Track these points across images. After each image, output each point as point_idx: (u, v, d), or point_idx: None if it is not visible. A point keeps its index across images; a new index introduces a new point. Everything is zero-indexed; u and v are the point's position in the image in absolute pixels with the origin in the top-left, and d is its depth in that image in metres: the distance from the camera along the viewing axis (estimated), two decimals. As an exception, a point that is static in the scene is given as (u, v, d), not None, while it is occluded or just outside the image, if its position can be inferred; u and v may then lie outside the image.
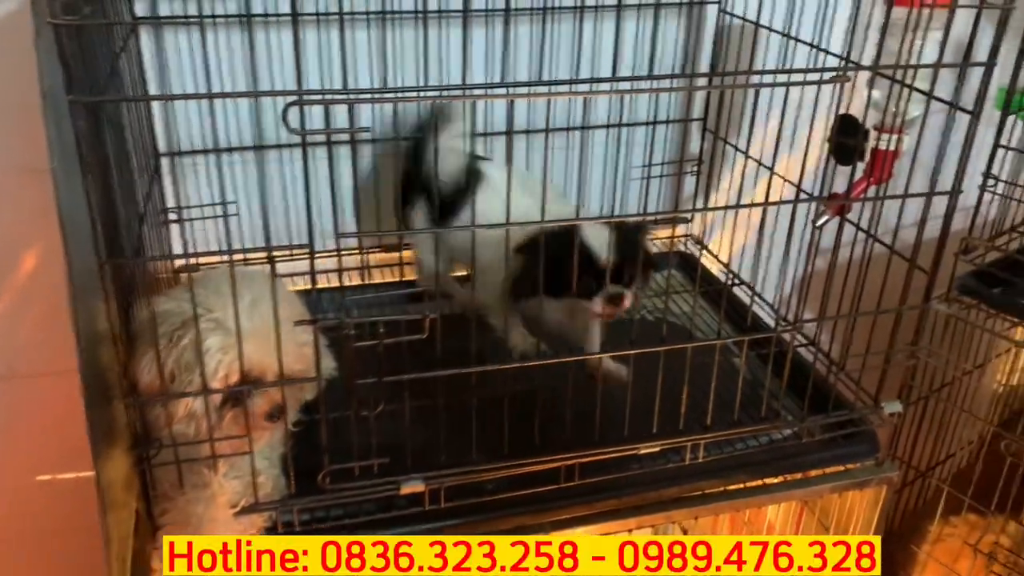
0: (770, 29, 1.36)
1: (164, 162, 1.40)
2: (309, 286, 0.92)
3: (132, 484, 0.93)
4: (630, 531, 1.09)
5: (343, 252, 0.87)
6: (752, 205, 1.11)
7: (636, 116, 1.54)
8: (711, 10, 1.53)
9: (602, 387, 1.19)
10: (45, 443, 1.51)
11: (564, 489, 1.07)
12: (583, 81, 0.91)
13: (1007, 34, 0.97)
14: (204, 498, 0.94)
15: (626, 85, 0.91)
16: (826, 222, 1.26)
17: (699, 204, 1.67)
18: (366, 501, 1.01)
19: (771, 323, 1.33)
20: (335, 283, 1.06)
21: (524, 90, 0.96)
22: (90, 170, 0.78)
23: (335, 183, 0.84)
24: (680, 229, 1.70)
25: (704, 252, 1.64)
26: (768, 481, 1.19)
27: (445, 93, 0.85)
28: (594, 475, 1.09)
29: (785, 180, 1.30)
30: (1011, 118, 1.38)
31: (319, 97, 0.80)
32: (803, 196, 1.10)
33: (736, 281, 1.54)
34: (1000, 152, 1.36)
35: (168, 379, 0.88)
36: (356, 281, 1.28)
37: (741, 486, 1.18)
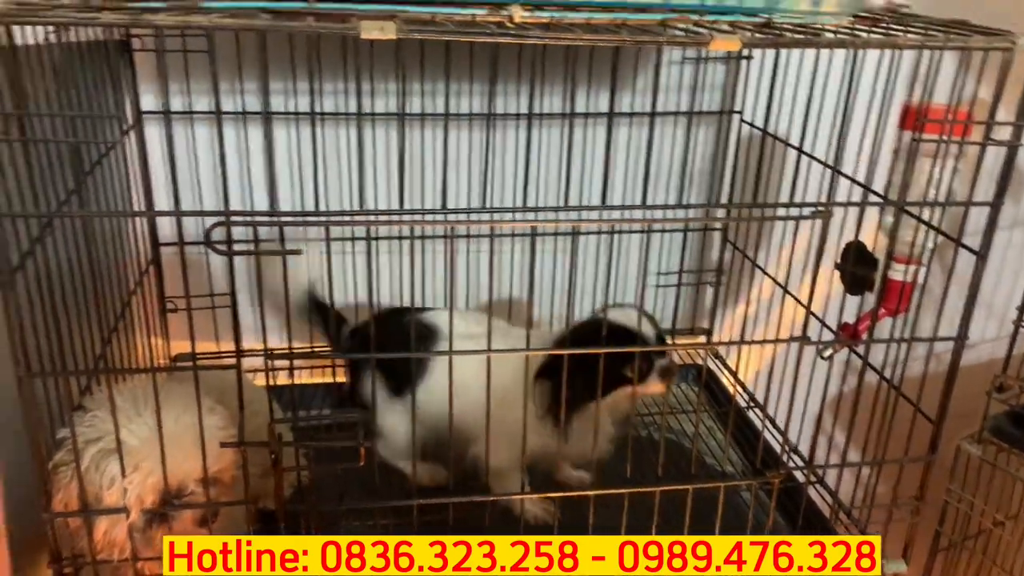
0: (786, 143, 1.29)
1: (168, 251, 1.41)
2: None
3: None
4: None
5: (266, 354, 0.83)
6: (751, 342, 1.04)
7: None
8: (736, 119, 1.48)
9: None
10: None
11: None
12: (573, 208, 0.87)
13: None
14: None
15: (616, 214, 0.86)
16: (832, 354, 1.16)
17: (717, 316, 1.58)
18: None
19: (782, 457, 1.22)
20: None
21: (506, 216, 0.92)
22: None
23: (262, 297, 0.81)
24: (698, 340, 1.62)
25: (722, 368, 1.55)
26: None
27: (382, 218, 0.81)
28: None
29: (798, 302, 1.21)
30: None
31: (245, 219, 0.78)
32: (811, 328, 1.02)
33: (749, 404, 1.44)
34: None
35: (82, 501, 0.85)
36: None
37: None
